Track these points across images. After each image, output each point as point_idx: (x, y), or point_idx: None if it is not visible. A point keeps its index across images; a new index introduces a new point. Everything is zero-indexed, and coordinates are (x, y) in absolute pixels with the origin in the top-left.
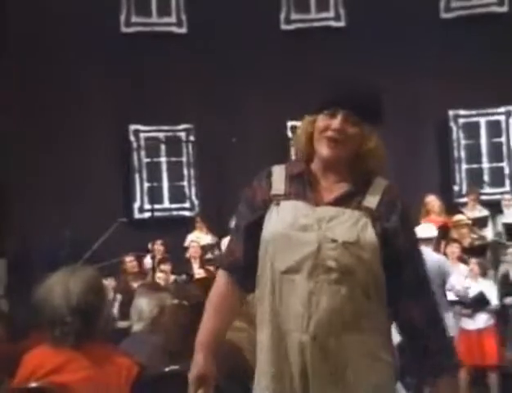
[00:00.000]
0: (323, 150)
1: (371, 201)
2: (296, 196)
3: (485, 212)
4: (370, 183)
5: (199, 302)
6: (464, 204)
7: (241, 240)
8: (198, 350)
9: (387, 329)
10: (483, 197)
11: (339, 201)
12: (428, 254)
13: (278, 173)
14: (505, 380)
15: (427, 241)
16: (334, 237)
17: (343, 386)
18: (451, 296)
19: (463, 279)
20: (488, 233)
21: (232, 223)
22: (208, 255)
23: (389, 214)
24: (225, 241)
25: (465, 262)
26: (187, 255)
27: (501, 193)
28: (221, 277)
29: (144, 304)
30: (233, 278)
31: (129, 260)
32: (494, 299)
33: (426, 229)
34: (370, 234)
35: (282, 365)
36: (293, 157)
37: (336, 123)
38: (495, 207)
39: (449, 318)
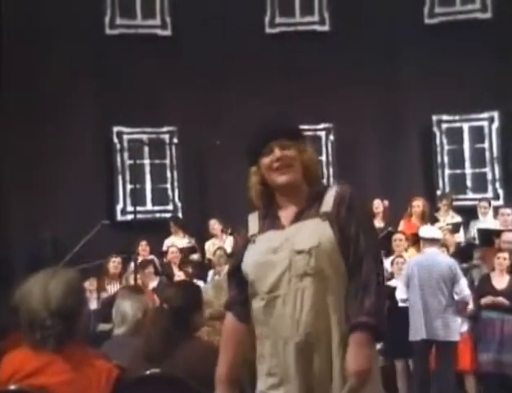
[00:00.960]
0: (278, 180)
1: (327, 205)
2: (268, 229)
3: (458, 218)
4: (325, 193)
5: (179, 306)
6: (436, 210)
7: (233, 281)
8: (218, 383)
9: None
10: (466, 203)
11: (300, 216)
12: (440, 255)
13: (252, 218)
14: (480, 382)
15: (431, 241)
16: (300, 247)
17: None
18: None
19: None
20: (461, 239)
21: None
22: (194, 256)
23: (340, 208)
24: (208, 244)
25: None
26: (166, 259)
27: (481, 199)
28: (227, 316)
29: (127, 307)
30: (233, 314)
31: (113, 261)
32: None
33: (430, 230)
34: (328, 234)
35: (283, 367)
36: None
37: (276, 153)
38: (475, 213)
39: (457, 322)
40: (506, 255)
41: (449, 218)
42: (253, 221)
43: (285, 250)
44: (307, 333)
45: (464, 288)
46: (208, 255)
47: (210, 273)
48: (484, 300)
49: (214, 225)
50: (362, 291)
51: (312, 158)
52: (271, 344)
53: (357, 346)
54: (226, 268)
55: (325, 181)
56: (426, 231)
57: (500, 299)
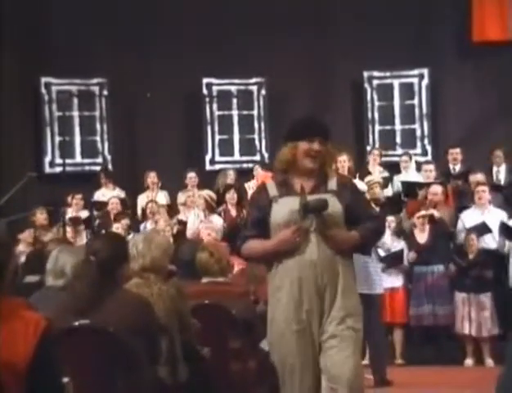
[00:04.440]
0: (307, 164)
1: (332, 186)
2: (286, 194)
3: (385, 173)
4: (328, 177)
5: (106, 258)
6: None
7: (255, 228)
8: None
9: None
10: (395, 159)
11: (314, 190)
12: None
13: (270, 184)
14: (409, 335)
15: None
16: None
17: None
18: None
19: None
20: (388, 193)
21: (245, 222)
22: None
23: (344, 193)
24: (141, 198)
25: None
26: (107, 209)
27: (402, 154)
28: (248, 240)
29: (63, 260)
30: (252, 237)
31: (40, 213)
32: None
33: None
34: (337, 206)
35: (302, 295)
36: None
37: (315, 146)
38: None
39: (379, 276)
40: (422, 212)
41: (377, 173)
42: (271, 185)
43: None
44: (322, 269)
45: (386, 242)
46: (141, 207)
47: (142, 226)
48: (411, 256)
49: (154, 179)
50: (368, 222)
51: (332, 158)
52: (290, 283)
53: (348, 235)
54: (160, 220)
55: (256, 136)
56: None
57: (412, 254)
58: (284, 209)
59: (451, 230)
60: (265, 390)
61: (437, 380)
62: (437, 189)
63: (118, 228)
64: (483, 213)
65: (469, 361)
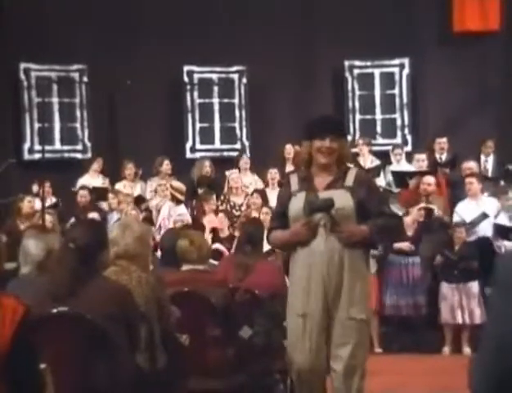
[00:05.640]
0: (321, 160)
1: (349, 181)
2: (305, 189)
3: (377, 162)
4: (347, 172)
5: (85, 245)
6: (357, 154)
7: (277, 220)
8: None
9: None
10: (375, 148)
11: (331, 186)
12: None
13: (293, 179)
14: (386, 324)
15: None
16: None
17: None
18: None
19: None
20: (381, 183)
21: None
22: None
23: (360, 189)
24: (119, 186)
25: None
26: (78, 199)
27: (392, 145)
28: (274, 230)
29: (31, 247)
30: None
31: (29, 201)
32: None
33: None
34: (349, 202)
35: (310, 281)
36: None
37: (326, 143)
38: (385, 158)
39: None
40: (422, 205)
41: (368, 162)
42: (294, 180)
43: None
44: (329, 259)
45: None
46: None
47: (110, 216)
48: (397, 245)
49: (131, 170)
50: (381, 218)
51: (346, 153)
52: (301, 267)
53: (360, 229)
54: (128, 209)
55: (237, 124)
56: None
57: (407, 244)
58: (299, 203)
59: (445, 221)
60: (244, 378)
61: (416, 368)
62: (430, 179)
63: (94, 216)
64: (478, 204)
65: (446, 349)
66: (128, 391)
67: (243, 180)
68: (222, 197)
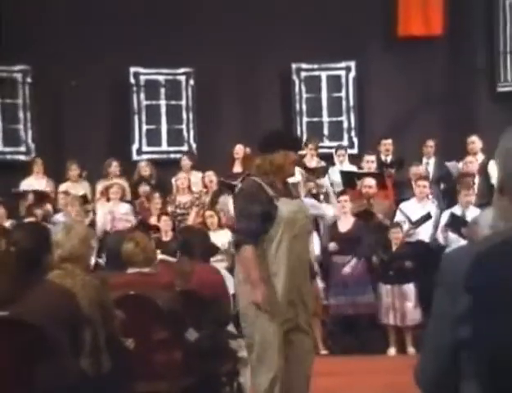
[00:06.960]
0: (292, 171)
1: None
2: (282, 195)
3: (322, 163)
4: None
5: (28, 248)
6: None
7: (259, 220)
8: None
9: None
10: (322, 150)
11: (287, 195)
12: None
13: (263, 184)
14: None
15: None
16: (306, 212)
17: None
18: None
19: None
20: (326, 183)
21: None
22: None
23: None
24: (63, 187)
25: None
26: (27, 201)
27: (338, 148)
28: (248, 247)
29: None
30: (254, 245)
31: None
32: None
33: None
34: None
35: (293, 287)
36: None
37: (297, 157)
38: (331, 159)
39: None
40: (347, 197)
41: (314, 162)
42: (266, 186)
43: (303, 212)
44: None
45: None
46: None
47: (55, 218)
48: (332, 246)
49: (75, 171)
50: None
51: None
52: (285, 272)
53: None
54: (72, 212)
55: (184, 126)
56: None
57: (333, 244)
58: (290, 207)
59: (384, 223)
60: (190, 381)
61: (361, 369)
62: (371, 182)
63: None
64: (424, 206)
65: (391, 350)
66: None
67: (191, 180)
68: (168, 198)
